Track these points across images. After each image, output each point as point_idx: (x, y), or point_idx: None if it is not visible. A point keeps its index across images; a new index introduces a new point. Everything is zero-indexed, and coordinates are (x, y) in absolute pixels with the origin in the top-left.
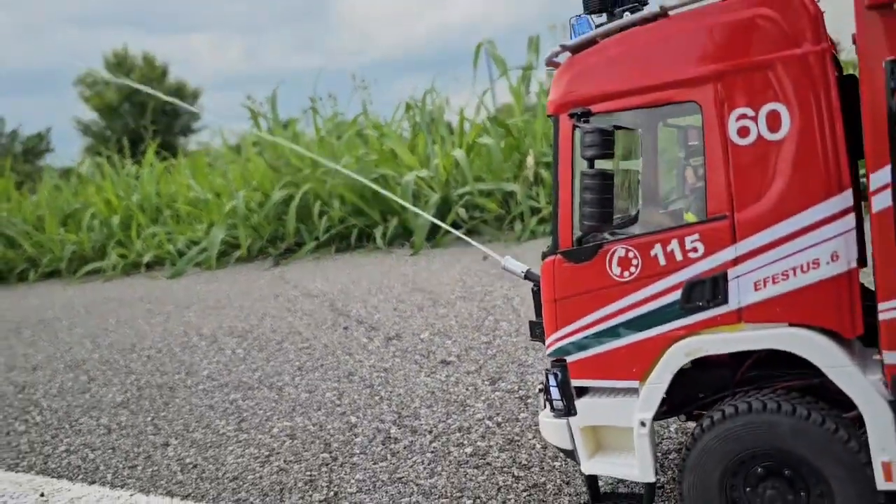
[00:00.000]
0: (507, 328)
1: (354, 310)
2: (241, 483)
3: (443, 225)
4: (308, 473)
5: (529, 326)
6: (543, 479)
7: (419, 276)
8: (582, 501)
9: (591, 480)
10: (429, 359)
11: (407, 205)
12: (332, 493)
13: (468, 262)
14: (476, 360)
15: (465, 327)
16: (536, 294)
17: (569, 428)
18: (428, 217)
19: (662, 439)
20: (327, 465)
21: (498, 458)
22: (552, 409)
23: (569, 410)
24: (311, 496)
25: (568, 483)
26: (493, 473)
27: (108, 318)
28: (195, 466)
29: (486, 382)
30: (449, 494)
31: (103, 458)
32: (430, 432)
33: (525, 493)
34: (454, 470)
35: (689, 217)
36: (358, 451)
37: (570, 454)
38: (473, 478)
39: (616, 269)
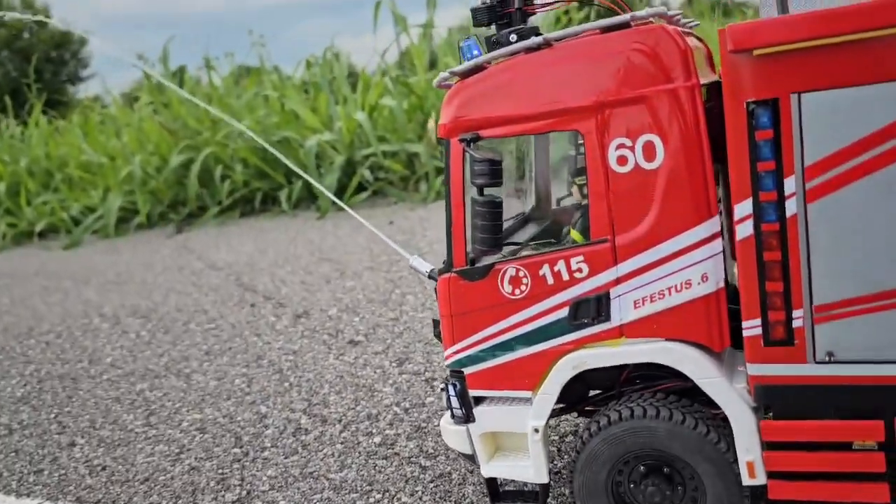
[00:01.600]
0: (414, 302)
1: (261, 284)
2: (152, 485)
3: (337, 201)
4: (220, 472)
5: (433, 324)
6: (449, 468)
7: (326, 244)
8: (484, 493)
9: (491, 482)
10: (337, 338)
11: (304, 175)
12: (244, 493)
13: (374, 226)
14: (383, 340)
15: (373, 301)
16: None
17: (468, 434)
18: (322, 189)
19: (560, 422)
20: (239, 461)
21: (405, 447)
22: (452, 416)
23: (467, 418)
24: (223, 496)
25: (472, 472)
26: (401, 464)
27: (0, 297)
28: (104, 468)
29: (393, 364)
30: (359, 489)
31: (6, 463)
32: (340, 421)
33: (432, 484)
34: (363, 462)
35: (575, 235)
36: (269, 445)
37: (470, 458)
38: (382, 469)
39: (508, 288)
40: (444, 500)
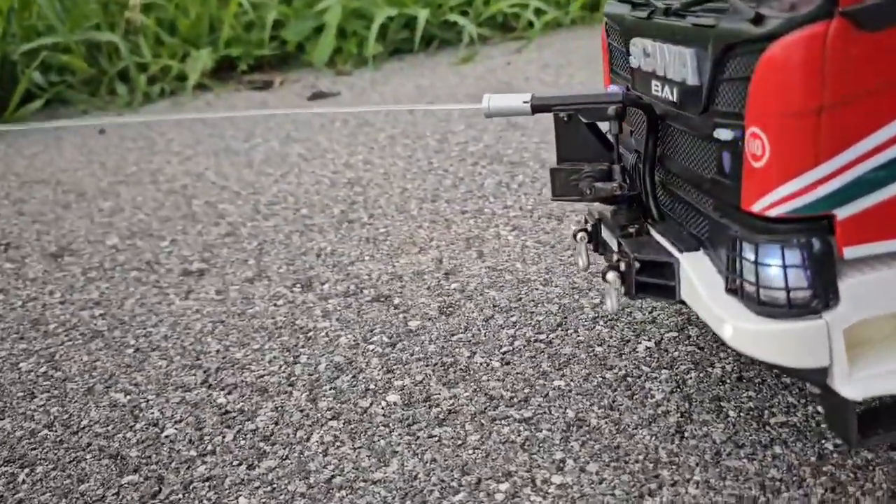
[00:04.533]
0: (234, 210)
1: None
2: None
3: None
4: None
5: (551, 177)
6: (572, 411)
7: (17, 164)
8: (704, 435)
9: (849, 411)
10: (158, 273)
11: None
12: None
13: (75, 138)
14: (240, 262)
15: (168, 220)
16: (566, 124)
17: (826, 331)
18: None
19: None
20: (154, 496)
21: (468, 405)
22: (788, 306)
23: (827, 302)
24: None
25: (615, 407)
26: (512, 437)
27: None
28: None
29: (296, 290)
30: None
31: None
32: (296, 385)
33: (592, 443)
34: (422, 442)
35: None
36: (193, 454)
37: (810, 376)
38: (491, 448)
39: None
40: (622, 462)
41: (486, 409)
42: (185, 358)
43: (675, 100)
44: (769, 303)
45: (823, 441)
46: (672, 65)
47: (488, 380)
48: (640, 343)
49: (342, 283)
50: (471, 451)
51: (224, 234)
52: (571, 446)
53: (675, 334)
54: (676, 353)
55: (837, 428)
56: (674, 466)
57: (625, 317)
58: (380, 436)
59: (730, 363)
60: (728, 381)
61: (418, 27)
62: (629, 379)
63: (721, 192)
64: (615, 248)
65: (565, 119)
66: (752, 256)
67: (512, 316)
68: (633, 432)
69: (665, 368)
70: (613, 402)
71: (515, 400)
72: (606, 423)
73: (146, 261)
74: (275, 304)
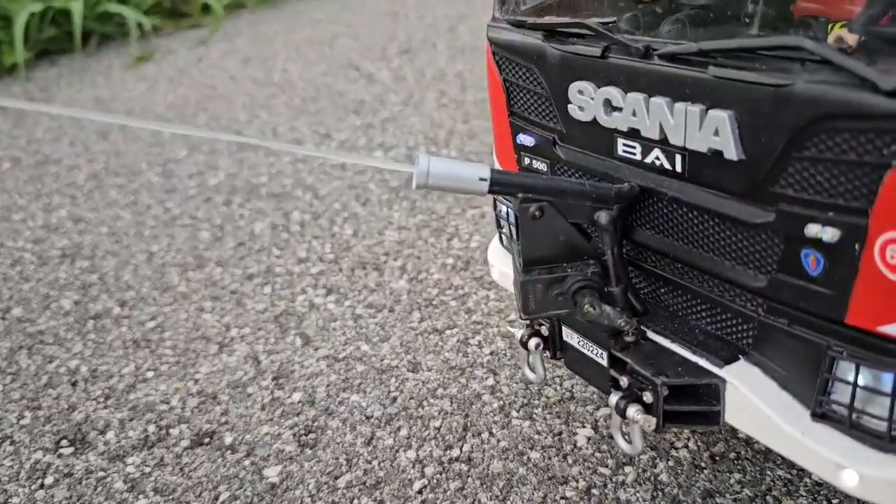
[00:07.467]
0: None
1: None
2: None
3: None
4: None
5: (523, 291)
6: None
7: None
8: None
9: None
10: None
11: None
12: None
13: None
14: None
15: None
16: (537, 220)
17: None
18: None
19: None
20: None
21: None
22: None
23: None
24: None
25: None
26: None
27: None
28: None
29: (67, 450)
30: None
31: None
32: None
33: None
34: None
35: None
36: None
37: None
38: None
39: None
40: None
41: None
42: None
43: (679, 170)
44: None
45: None
46: (681, 128)
47: None
48: (577, 433)
49: (133, 425)
50: None
51: None
52: None
53: (608, 410)
54: None
55: None
56: None
57: (534, 398)
58: None
59: (689, 439)
60: (703, 463)
61: (74, 23)
62: (595, 492)
63: (793, 296)
64: (606, 361)
65: (537, 214)
66: (881, 387)
67: (399, 428)
68: None
69: (627, 465)
70: None
71: None
72: None
73: None
74: (42, 486)
